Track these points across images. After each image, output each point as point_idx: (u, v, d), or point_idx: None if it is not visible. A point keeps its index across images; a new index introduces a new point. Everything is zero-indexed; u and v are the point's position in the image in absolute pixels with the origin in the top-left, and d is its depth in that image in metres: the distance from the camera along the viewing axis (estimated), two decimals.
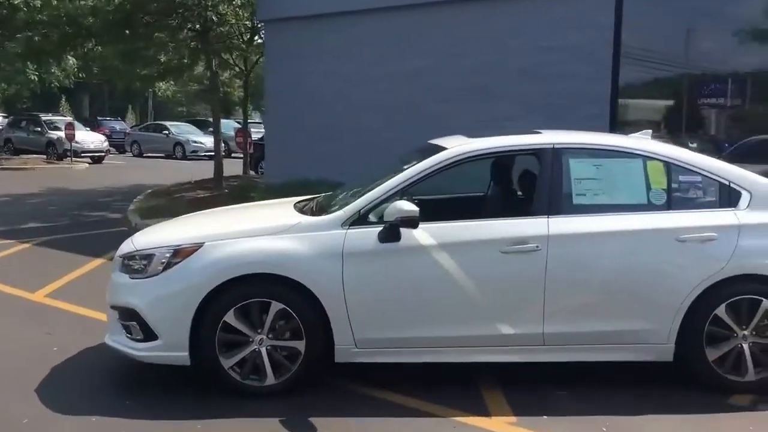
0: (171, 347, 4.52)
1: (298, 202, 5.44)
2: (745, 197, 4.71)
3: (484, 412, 4.30)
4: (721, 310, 4.57)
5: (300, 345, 4.52)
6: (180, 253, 4.55)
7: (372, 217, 4.59)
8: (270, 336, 4.52)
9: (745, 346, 4.61)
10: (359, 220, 4.58)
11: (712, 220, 4.63)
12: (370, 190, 4.73)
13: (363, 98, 11.97)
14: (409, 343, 4.58)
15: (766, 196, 4.71)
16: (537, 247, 4.52)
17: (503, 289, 4.55)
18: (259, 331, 4.52)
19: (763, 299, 4.58)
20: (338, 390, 4.65)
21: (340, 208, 4.72)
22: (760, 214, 4.66)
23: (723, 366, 4.62)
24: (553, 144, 4.78)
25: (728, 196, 4.73)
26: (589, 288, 4.58)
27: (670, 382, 4.72)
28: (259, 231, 4.62)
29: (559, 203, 4.64)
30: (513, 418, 4.24)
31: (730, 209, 4.69)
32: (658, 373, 4.76)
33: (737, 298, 4.57)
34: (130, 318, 4.62)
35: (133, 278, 4.66)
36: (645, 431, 4.14)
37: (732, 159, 8.50)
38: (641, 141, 4.99)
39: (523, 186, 4.80)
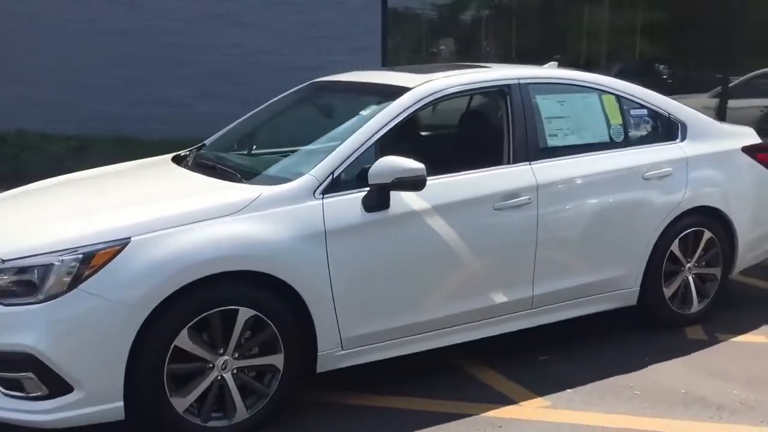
0: (96, 399, 3.01)
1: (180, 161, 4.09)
2: (683, 129, 4.63)
3: (510, 401, 3.66)
4: (675, 246, 4.50)
5: (277, 360, 3.35)
6: (95, 258, 3.01)
7: (345, 181, 3.53)
8: (236, 356, 3.27)
9: (690, 279, 4.61)
10: (332, 185, 3.49)
11: (665, 155, 4.48)
12: (328, 147, 3.63)
13: (72, 31, 9.79)
14: (402, 332, 3.68)
15: (699, 126, 4.70)
16: (529, 199, 3.91)
17: (497, 253, 3.88)
18: (221, 351, 3.24)
19: (705, 230, 4.60)
20: (325, 407, 3.59)
21: (297, 170, 3.55)
22: (698, 145, 4.63)
23: (674, 301, 4.58)
24: (518, 79, 4.15)
25: (670, 129, 4.62)
26: (573, 240, 4.13)
27: (625, 327, 4.53)
28: (206, 212, 3.25)
29: (536, 147, 4.07)
30: (542, 400, 3.68)
31: (674, 142, 4.58)
32: (610, 320, 4.51)
33: (686, 232, 4.52)
34: (19, 367, 2.97)
35: (11, 305, 2.99)
36: (664, 380, 3.88)
37: None
38: (588, 74, 4.59)
39: (493, 129, 4.11)
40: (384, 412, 3.55)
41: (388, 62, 9.36)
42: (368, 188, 3.49)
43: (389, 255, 3.56)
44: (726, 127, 4.88)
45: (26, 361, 2.95)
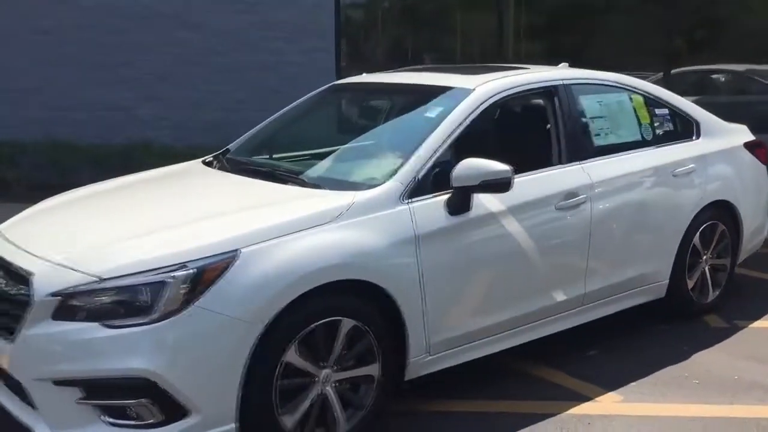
0: (211, 422, 2.84)
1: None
2: (697, 127, 4.86)
3: (584, 398, 3.72)
4: (696, 239, 4.71)
5: (373, 370, 3.26)
6: (207, 272, 2.83)
7: (426, 185, 3.48)
8: (335, 368, 3.17)
9: (706, 269, 4.85)
10: (416, 189, 3.43)
11: (688, 152, 4.69)
12: (400, 150, 3.57)
13: None
14: (480, 334, 3.67)
15: (710, 124, 4.94)
16: (584, 198, 4.00)
17: (560, 251, 3.95)
18: (322, 364, 3.12)
19: (719, 223, 4.85)
20: (414, 415, 3.53)
21: (375, 175, 3.48)
22: (711, 142, 4.87)
23: (694, 292, 4.80)
24: (563, 79, 4.23)
25: (687, 128, 4.83)
26: (619, 237, 4.26)
27: (645, 319, 4.68)
28: (307, 220, 3.12)
29: (585, 147, 4.17)
30: (614, 395, 3.77)
31: (692, 140, 4.80)
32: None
33: (705, 225, 4.75)
34: (134, 394, 2.76)
35: (119, 327, 2.76)
36: (713, 368, 4.06)
37: None
38: (617, 74, 4.73)
39: (545, 130, 4.15)
40: (474, 416, 3.53)
41: (342, 63, 9.27)
42: (450, 191, 3.46)
43: (470, 257, 3.55)
44: (726, 124, 5.16)
45: (143, 386, 2.74)
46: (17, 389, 3.02)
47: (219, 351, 2.82)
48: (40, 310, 2.84)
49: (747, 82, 12.51)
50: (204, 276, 2.81)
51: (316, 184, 3.52)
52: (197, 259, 2.83)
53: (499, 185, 3.43)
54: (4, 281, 3.07)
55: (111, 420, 2.80)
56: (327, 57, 9.07)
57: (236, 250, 2.90)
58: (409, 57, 10.10)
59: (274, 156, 4.32)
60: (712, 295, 4.89)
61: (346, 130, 4.30)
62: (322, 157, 4.05)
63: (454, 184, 3.43)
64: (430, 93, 4.06)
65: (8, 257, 3.11)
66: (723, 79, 11.56)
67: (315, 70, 9.05)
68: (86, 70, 9.04)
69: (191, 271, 2.80)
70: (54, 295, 2.83)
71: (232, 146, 4.57)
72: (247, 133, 4.67)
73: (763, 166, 5.18)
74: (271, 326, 2.90)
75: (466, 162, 3.43)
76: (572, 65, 4.63)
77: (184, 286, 2.78)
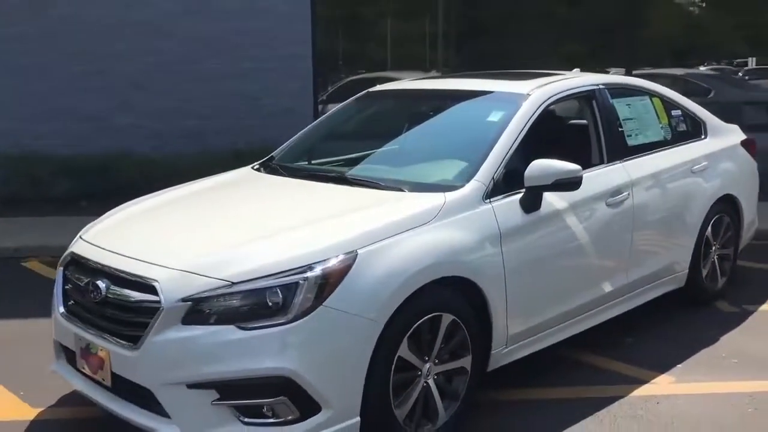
0: (340, 417, 2.95)
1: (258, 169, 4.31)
2: (704, 127, 5.24)
3: (641, 381, 3.99)
4: (708, 231, 5.07)
5: (466, 362, 3.44)
6: (332, 273, 2.94)
7: (500, 185, 3.68)
8: (436, 361, 3.32)
9: (716, 258, 5.23)
10: (494, 189, 3.63)
11: (701, 150, 5.06)
12: (478, 153, 3.74)
13: None
14: (553, 323, 3.91)
15: (714, 124, 5.33)
16: (627, 195, 4.29)
17: (609, 245, 4.22)
18: (426, 358, 3.27)
19: (725, 215, 5.24)
20: (495, 405, 3.71)
21: (451, 177, 3.66)
22: (716, 141, 5.26)
23: (707, 280, 5.16)
24: (598, 84, 4.51)
25: (697, 127, 5.20)
26: (654, 230, 4.57)
27: (661, 306, 4.97)
28: (410, 221, 3.27)
29: (622, 147, 4.46)
30: (667, 377, 4.05)
31: (701, 139, 5.17)
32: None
33: (715, 217, 5.12)
34: (272, 392, 2.84)
35: (253, 328, 2.84)
36: (746, 348, 4.40)
37: (330, 98, 9.11)
38: (638, 79, 5.05)
39: (589, 131, 4.40)
40: (550, 403, 3.76)
41: (319, 70, 9.36)
42: (522, 191, 3.67)
43: (542, 252, 3.76)
44: (725, 124, 5.56)
45: (281, 384, 2.83)
46: (133, 397, 3.05)
47: (347, 348, 2.94)
48: (169, 316, 2.89)
49: (686, 85, 13.27)
50: (331, 276, 2.93)
51: (396, 187, 3.65)
52: (323, 260, 2.95)
53: (571, 184, 3.67)
54: (118, 290, 3.09)
55: (248, 420, 2.88)
56: (304, 64, 9.11)
57: (355, 251, 3.02)
58: (339, 64, 10.27)
59: (328, 161, 4.41)
60: (720, 282, 5.27)
61: (395, 135, 4.43)
62: (381, 161, 4.20)
63: (528, 184, 3.64)
64: (481, 98, 4.26)
65: (121, 266, 3.13)
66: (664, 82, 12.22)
67: (293, 77, 9.10)
68: (58, 80, 8.82)
69: (319, 272, 2.91)
70: (184, 300, 2.88)
71: (276, 153, 4.65)
72: (290, 141, 4.75)
73: (755, 162, 5.62)
74: (389, 323, 3.04)
75: (537, 163, 3.64)
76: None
77: (315, 286, 2.89)
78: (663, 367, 4.15)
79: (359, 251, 3.03)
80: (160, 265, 3.04)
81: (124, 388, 3.08)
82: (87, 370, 3.22)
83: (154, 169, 8.75)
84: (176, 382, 2.88)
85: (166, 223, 3.61)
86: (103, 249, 3.33)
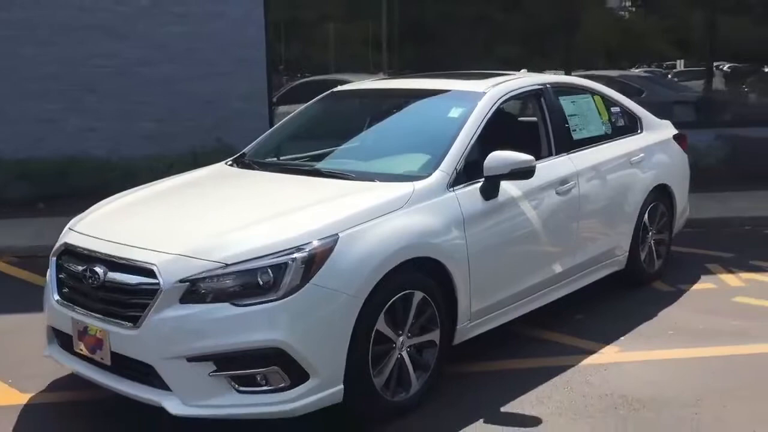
0: (326, 384, 3.26)
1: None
2: (640, 122, 5.71)
3: (589, 351, 4.39)
4: (645, 218, 5.53)
5: (435, 336, 3.78)
6: (318, 254, 3.25)
7: (461, 175, 4.03)
8: (409, 335, 3.65)
9: (652, 243, 5.70)
10: (456, 179, 3.98)
11: (638, 143, 5.52)
12: (441, 146, 4.08)
13: None
14: (510, 301, 4.28)
15: (648, 119, 5.81)
16: (574, 183, 4.70)
17: (558, 229, 4.62)
18: (400, 332, 3.60)
19: (660, 203, 5.72)
20: (460, 376, 4.05)
21: (415, 168, 4.01)
22: (651, 135, 5.74)
23: (645, 262, 5.63)
24: (546, 83, 4.92)
25: (633, 122, 5.67)
26: (597, 217, 4.99)
27: (603, 288, 5.40)
28: (384, 207, 3.59)
29: (568, 140, 4.87)
30: (613, 347, 4.47)
31: (638, 133, 5.64)
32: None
33: (651, 205, 5.59)
34: (265, 362, 3.12)
35: (246, 305, 3.12)
36: (681, 322, 4.85)
37: (281, 100, 9.39)
38: (581, 78, 5.48)
39: (539, 126, 4.78)
40: (509, 373, 4.13)
41: (273, 73, 9.60)
42: (481, 180, 4.03)
43: (500, 236, 4.14)
44: (658, 120, 6.04)
45: (274, 355, 3.12)
46: (133, 373, 3.29)
47: (332, 322, 3.25)
48: (168, 297, 3.15)
49: (620, 86, 13.94)
50: (316, 257, 3.23)
51: (367, 178, 3.97)
52: (308, 242, 3.25)
53: (526, 173, 4.04)
54: (116, 275, 3.33)
55: (243, 388, 3.15)
56: (258, 67, 9.34)
57: (336, 234, 3.33)
58: (291, 67, 10.51)
59: (299, 157, 4.70)
60: (657, 264, 5.75)
61: (361, 131, 4.75)
62: (350, 156, 4.51)
63: (486, 173, 4.01)
64: (441, 96, 4.62)
65: (119, 253, 3.37)
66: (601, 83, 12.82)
67: (247, 80, 9.31)
68: (9, 84, 8.86)
69: (306, 253, 3.21)
70: (182, 281, 3.15)
71: (247, 150, 4.91)
72: (259, 138, 5.02)
73: (686, 155, 6.12)
74: (368, 299, 3.35)
75: (495, 154, 4.01)
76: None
77: (302, 266, 3.18)
78: (609, 339, 4.57)
79: (340, 234, 3.34)
80: (157, 251, 3.29)
81: (123, 365, 3.32)
82: (85, 352, 3.44)
83: (111, 172, 8.87)
84: (176, 356, 3.13)
85: (156, 214, 3.86)
86: (98, 238, 3.56)
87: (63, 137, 9.07)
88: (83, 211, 4.13)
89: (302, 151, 4.81)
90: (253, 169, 4.50)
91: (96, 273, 3.36)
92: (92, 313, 3.40)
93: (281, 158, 4.74)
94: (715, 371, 4.11)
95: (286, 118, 5.18)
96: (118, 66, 9.20)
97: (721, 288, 5.58)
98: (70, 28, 9.05)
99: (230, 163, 4.75)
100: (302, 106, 5.25)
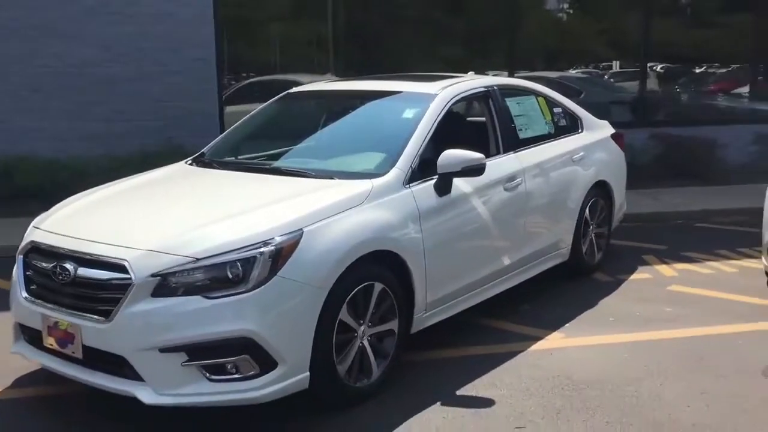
0: (293, 371, 3.43)
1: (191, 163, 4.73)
2: (581, 122, 6.03)
3: (535, 338, 4.65)
4: (586, 212, 5.86)
5: (394, 325, 3.98)
6: (285, 248, 3.41)
7: (416, 172, 4.24)
8: (369, 324, 3.85)
9: (593, 236, 6.03)
10: (411, 176, 4.20)
11: (579, 142, 5.84)
12: (397, 145, 4.28)
13: None
14: (463, 291, 4.51)
15: (588, 119, 6.14)
16: (521, 180, 4.97)
17: (507, 223, 4.87)
18: (361, 322, 3.80)
19: (600, 199, 6.04)
20: (418, 363, 4.26)
21: (371, 166, 4.21)
22: (591, 134, 6.07)
23: (586, 255, 5.96)
24: (494, 85, 5.19)
25: (574, 122, 5.98)
26: (542, 211, 5.27)
27: (549, 279, 5.73)
28: (344, 203, 3.78)
29: (514, 139, 5.13)
30: (558, 334, 4.75)
31: (579, 133, 5.96)
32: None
33: (591, 200, 5.91)
34: (236, 351, 3.28)
35: (217, 297, 3.27)
36: (620, 309, 5.17)
37: (230, 100, 9.53)
38: (526, 81, 5.76)
39: (487, 125, 5.02)
40: (462, 360, 4.36)
41: (224, 73, 9.66)
42: (436, 177, 4.26)
43: (453, 230, 4.37)
44: (597, 120, 6.37)
45: (244, 344, 3.27)
46: (105, 366, 3.41)
47: (299, 312, 3.42)
48: (139, 291, 3.27)
49: (559, 87, 14.38)
50: (283, 251, 3.40)
51: (327, 176, 4.15)
52: (275, 237, 3.41)
53: (477, 170, 4.28)
54: (86, 271, 3.43)
55: (214, 377, 3.30)
56: (208, 67, 9.40)
57: (301, 229, 3.50)
58: (231, 68, 10.62)
59: (258, 156, 4.84)
60: (597, 256, 6.08)
61: (318, 131, 4.93)
62: (309, 155, 4.69)
63: (440, 171, 4.23)
64: (395, 97, 4.83)
65: (89, 250, 3.47)
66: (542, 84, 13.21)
67: (196, 80, 9.36)
68: None
69: (273, 247, 3.38)
70: (154, 276, 3.28)
71: (206, 150, 5.03)
72: (217, 139, 5.15)
73: (623, 153, 6.48)
74: (332, 290, 3.54)
75: (448, 152, 4.24)
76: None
77: (270, 259, 3.35)
78: (554, 326, 4.85)
79: (305, 229, 3.52)
80: (128, 247, 3.41)
81: (95, 358, 3.42)
82: (55, 346, 3.54)
83: (59, 172, 8.81)
84: (149, 347, 3.26)
85: (123, 211, 3.97)
86: (67, 236, 3.65)
87: (7, 137, 8.97)
88: (38, 212, 4.21)
89: (261, 150, 4.95)
90: (214, 168, 4.63)
91: (66, 269, 3.46)
92: (62, 309, 3.49)
93: (240, 158, 4.88)
94: (651, 353, 4.42)
95: (244, 119, 5.31)
96: (65, 66, 9.14)
97: (656, 278, 5.94)
98: (14, 27, 8.95)
99: (190, 162, 4.86)
100: (259, 107, 5.39)
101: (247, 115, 5.33)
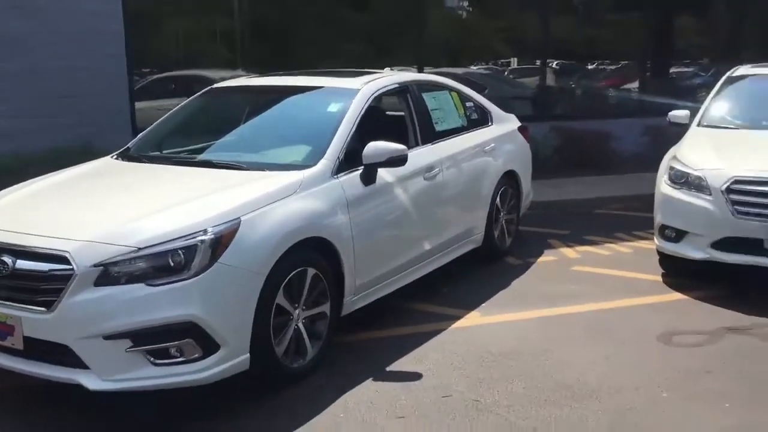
0: (234, 353, 3.60)
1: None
2: (491, 116, 6.41)
3: (455, 317, 4.98)
4: (497, 200, 6.22)
5: (326, 308, 4.21)
6: (224, 236, 3.58)
7: (342, 163, 4.48)
8: (304, 308, 4.06)
9: (504, 223, 6.42)
10: (338, 167, 4.42)
11: (490, 134, 6.22)
12: (324, 138, 4.50)
13: None
14: (388, 276, 4.77)
15: (497, 113, 6.53)
16: (438, 170, 5.28)
17: (427, 211, 5.17)
18: (296, 305, 4.00)
19: (509, 187, 6.44)
20: (347, 344, 4.50)
21: (301, 158, 4.43)
22: (500, 127, 6.46)
23: (498, 239, 6.34)
24: (413, 81, 5.49)
25: (484, 116, 6.35)
26: (459, 199, 5.60)
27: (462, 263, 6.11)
28: (278, 193, 3.97)
29: (431, 132, 5.44)
30: (476, 313, 5.09)
31: (489, 125, 6.33)
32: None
33: (502, 188, 6.30)
34: (180, 335, 3.42)
35: (160, 284, 3.40)
36: (532, 289, 5.58)
37: (140, 96, 9.56)
38: (440, 77, 6.07)
39: (406, 119, 5.28)
40: (389, 340, 4.63)
41: (134, 69, 9.56)
42: (362, 167, 4.50)
43: (380, 217, 4.64)
44: (505, 113, 6.76)
45: (188, 328, 3.42)
46: (47, 356, 3.48)
47: (239, 296, 3.59)
48: (82, 281, 3.37)
49: (465, 83, 14.89)
50: (222, 239, 3.56)
51: (259, 168, 4.33)
52: (215, 226, 3.57)
53: (400, 160, 4.55)
54: (26, 263, 3.48)
55: (159, 361, 3.43)
56: (118, 62, 9.29)
57: (239, 218, 3.67)
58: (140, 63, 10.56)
59: (186, 150, 4.95)
60: (508, 241, 6.48)
61: (245, 125, 5.08)
62: (238, 148, 4.83)
63: (365, 161, 4.48)
64: (319, 92, 5.05)
65: (29, 243, 3.53)
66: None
67: (106, 75, 9.23)
68: None
69: (213, 235, 3.54)
70: (96, 266, 3.38)
71: (131, 145, 5.09)
72: (142, 134, 5.21)
73: (528, 144, 6.91)
74: (269, 276, 3.72)
75: (372, 144, 4.49)
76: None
77: (210, 247, 3.51)
78: (472, 306, 5.19)
79: (242, 218, 3.69)
80: (68, 239, 3.49)
81: (37, 349, 3.48)
82: None
83: None
84: (93, 335, 3.36)
85: (58, 204, 4.02)
86: (2, 230, 3.68)
87: None
88: None
89: (186, 145, 5.06)
90: (143, 162, 4.72)
91: (5, 263, 3.50)
92: (1, 301, 3.53)
93: (168, 152, 4.97)
94: (560, 326, 4.83)
95: (168, 114, 5.38)
96: None
97: (561, 260, 6.40)
98: None
99: (116, 157, 4.92)
100: (182, 102, 5.47)
101: (171, 111, 5.41)
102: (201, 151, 4.89)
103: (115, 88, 9.35)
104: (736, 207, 5.16)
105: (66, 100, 9.11)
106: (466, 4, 13.05)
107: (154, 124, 5.33)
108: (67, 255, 3.41)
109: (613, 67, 12.93)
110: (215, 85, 5.56)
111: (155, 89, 10.30)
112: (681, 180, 5.52)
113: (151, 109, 9.78)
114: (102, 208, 3.90)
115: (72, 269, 3.38)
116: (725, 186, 5.20)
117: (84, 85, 9.11)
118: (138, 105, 9.59)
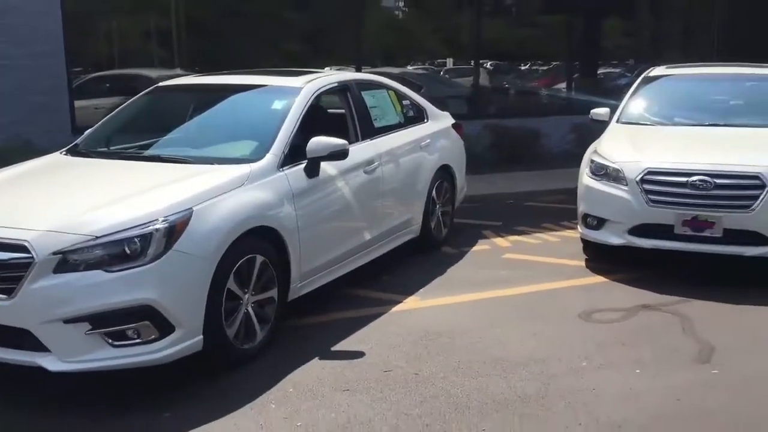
0: (188, 335, 3.84)
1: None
2: (426, 113, 6.76)
3: (395, 302, 5.30)
4: (433, 193, 6.59)
5: (273, 293, 4.47)
6: (178, 225, 3.81)
7: (287, 157, 4.74)
8: (252, 293, 4.32)
9: (440, 214, 6.79)
10: (283, 160, 4.69)
11: (426, 131, 6.56)
12: (269, 133, 4.75)
13: None
14: (331, 263, 5.06)
15: (432, 111, 6.88)
16: (377, 164, 5.59)
17: (367, 203, 5.48)
18: (245, 290, 4.26)
19: (445, 181, 6.81)
20: (294, 328, 4.77)
21: (248, 152, 4.67)
22: (435, 124, 6.82)
23: (434, 230, 6.69)
24: (352, 80, 5.78)
25: (420, 113, 6.70)
26: (395, 192, 5.92)
27: (403, 252, 6.46)
28: (227, 185, 4.21)
29: (370, 128, 5.75)
30: (414, 298, 5.42)
31: (425, 122, 6.68)
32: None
33: (437, 183, 6.65)
34: (137, 318, 3.64)
35: (118, 270, 3.61)
36: (468, 275, 5.94)
37: (79, 94, 9.63)
38: (378, 76, 6.38)
39: (346, 115, 5.56)
40: (333, 323, 4.92)
41: (71, 67, 9.58)
42: (306, 161, 4.78)
43: (323, 208, 4.93)
44: (439, 111, 7.12)
45: (145, 311, 3.64)
46: (7, 341, 3.65)
47: (192, 281, 3.83)
48: (41, 268, 3.55)
49: (402, 82, 15.22)
50: (176, 227, 3.79)
51: (207, 162, 4.56)
52: (169, 215, 3.80)
53: (341, 154, 4.84)
54: None
55: (117, 342, 3.64)
56: (56, 61, 9.31)
57: (191, 208, 3.91)
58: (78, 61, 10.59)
59: (135, 145, 5.12)
60: (444, 232, 6.85)
61: (191, 122, 5.28)
62: (185, 144, 5.04)
63: (309, 155, 4.76)
64: (263, 90, 5.29)
65: None
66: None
67: (45, 74, 9.25)
68: None
69: (167, 224, 3.76)
70: (55, 254, 3.57)
71: (79, 141, 5.24)
72: (89, 130, 5.36)
73: (462, 140, 7.29)
74: (220, 262, 3.97)
75: (315, 139, 4.77)
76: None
77: (164, 235, 3.73)
78: (411, 292, 5.53)
79: (194, 208, 3.93)
80: (26, 228, 3.67)
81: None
82: None
83: None
84: (53, 319, 3.55)
85: (12, 197, 4.18)
86: None
87: None
88: None
89: (134, 141, 5.23)
90: (92, 157, 4.89)
91: None
92: None
93: (116, 147, 5.14)
94: (492, 308, 5.20)
95: (114, 112, 5.55)
96: None
97: (494, 248, 6.79)
98: None
99: (65, 153, 5.07)
100: (129, 100, 5.64)
101: (117, 109, 5.57)
102: (149, 146, 5.08)
103: (55, 87, 9.37)
104: (649, 196, 5.62)
105: (5, 99, 9.10)
106: (402, 5, 13.36)
107: (101, 121, 5.49)
108: (26, 244, 3.59)
109: (544, 68, 13.46)
110: (160, 84, 5.74)
111: (94, 88, 10.34)
112: (601, 172, 5.96)
113: (92, 108, 9.85)
114: (58, 199, 4.08)
115: (32, 257, 3.56)
116: (639, 177, 5.66)
117: (23, 85, 9.12)
118: (79, 103, 9.63)
